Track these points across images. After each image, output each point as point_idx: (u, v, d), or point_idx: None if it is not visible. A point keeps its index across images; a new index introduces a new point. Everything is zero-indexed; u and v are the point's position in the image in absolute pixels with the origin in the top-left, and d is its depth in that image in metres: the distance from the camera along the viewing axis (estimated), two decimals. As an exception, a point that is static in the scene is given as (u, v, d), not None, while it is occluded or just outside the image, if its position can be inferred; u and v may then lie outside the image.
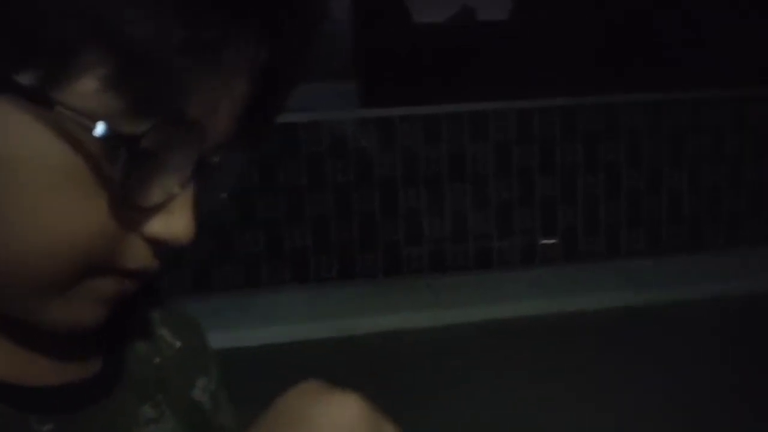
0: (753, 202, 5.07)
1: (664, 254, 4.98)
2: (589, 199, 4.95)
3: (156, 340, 0.57)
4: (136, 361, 0.54)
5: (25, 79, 0.36)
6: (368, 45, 5.41)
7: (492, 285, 4.66)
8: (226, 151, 0.45)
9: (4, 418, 0.44)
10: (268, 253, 4.59)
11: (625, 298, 4.39)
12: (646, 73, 5.57)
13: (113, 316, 0.50)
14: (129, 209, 0.40)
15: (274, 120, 0.49)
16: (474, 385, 3.40)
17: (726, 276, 4.62)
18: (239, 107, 0.43)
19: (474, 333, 4.06)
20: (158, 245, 0.43)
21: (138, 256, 0.43)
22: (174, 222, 0.42)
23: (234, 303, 4.30)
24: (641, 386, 3.34)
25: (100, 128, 0.37)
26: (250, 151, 0.50)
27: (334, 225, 4.66)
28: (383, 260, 4.74)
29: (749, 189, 5.06)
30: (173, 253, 0.44)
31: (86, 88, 0.37)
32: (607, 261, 4.94)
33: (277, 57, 0.43)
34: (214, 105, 0.41)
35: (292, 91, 0.48)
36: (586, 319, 4.21)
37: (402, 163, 4.71)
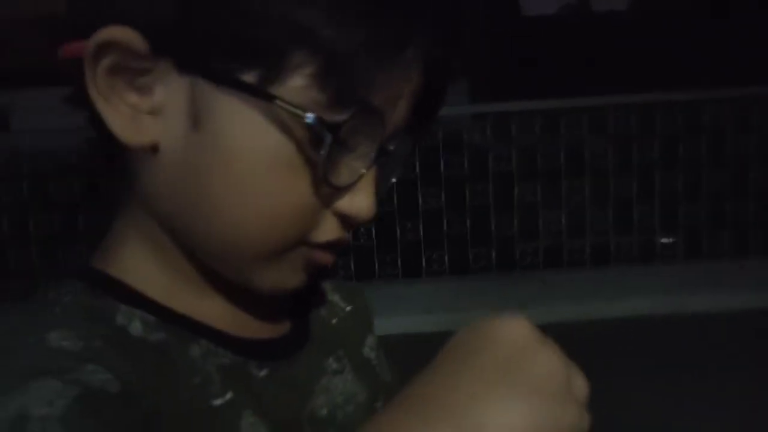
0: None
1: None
2: (712, 196, 4.76)
3: (331, 304, 0.66)
4: (318, 322, 0.63)
5: (249, 78, 0.44)
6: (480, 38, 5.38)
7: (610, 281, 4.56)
8: (399, 139, 0.52)
9: (230, 362, 0.52)
10: (382, 246, 4.63)
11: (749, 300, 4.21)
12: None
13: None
14: (326, 188, 0.48)
15: (439, 111, 0.54)
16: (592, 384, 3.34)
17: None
18: (415, 99, 0.50)
19: (587, 329, 3.99)
20: (345, 220, 0.50)
21: (330, 229, 0.50)
22: (358, 200, 0.50)
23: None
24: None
25: (309, 118, 0.44)
26: (418, 140, 0.56)
27: (445, 219, 4.67)
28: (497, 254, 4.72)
29: None
30: (357, 228, 0.52)
31: (296, 84, 0.44)
32: (732, 260, 4.74)
33: (445, 51, 0.50)
34: (397, 97, 0.48)
35: (454, 82, 0.53)
36: (704, 319, 4.06)
37: (518, 158, 4.67)
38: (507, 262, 4.71)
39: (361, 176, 0.49)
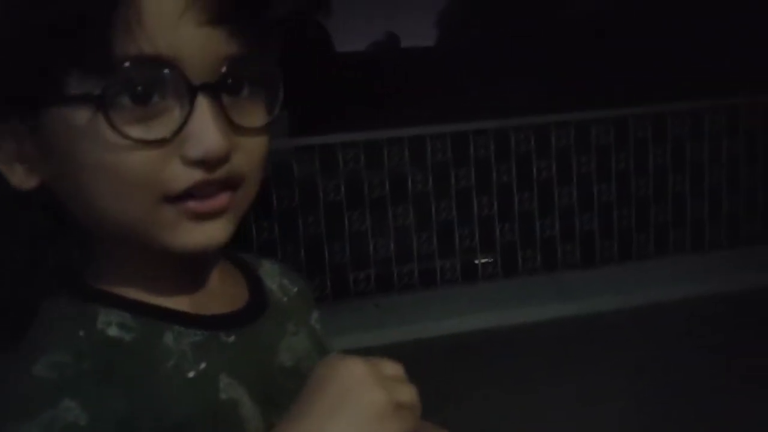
0: (677, 212, 5.37)
1: (596, 265, 5.22)
2: (524, 216, 5.15)
3: (282, 285, 0.75)
4: (272, 296, 0.72)
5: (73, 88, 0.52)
6: (294, 74, 5.48)
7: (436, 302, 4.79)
8: (235, 64, 0.54)
9: (201, 338, 0.61)
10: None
11: (560, 310, 4.58)
12: (569, 91, 5.84)
13: (249, 270, 0.72)
14: (142, 145, 0.52)
15: (258, 9, 0.55)
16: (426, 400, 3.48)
17: (657, 283, 4.87)
18: (211, 17, 0.52)
19: (420, 349, 4.17)
20: (197, 164, 0.54)
21: (182, 177, 0.54)
22: (198, 142, 0.53)
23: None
24: (588, 398, 3.49)
25: (79, 98, 0.52)
26: (265, 58, 0.58)
27: (280, 250, 4.72)
28: (331, 282, 4.83)
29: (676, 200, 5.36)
30: (214, 166, 0.54)
31: (64, 83, 0.52)
32: (546, 275, 5.14)
33: None
34: (156, 32, 0.51)
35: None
36: (527, 331, 4.37)
37: (346, 188, 4.82)
38: (341, 289, 4.83)
39: (186, 119, 0.53)
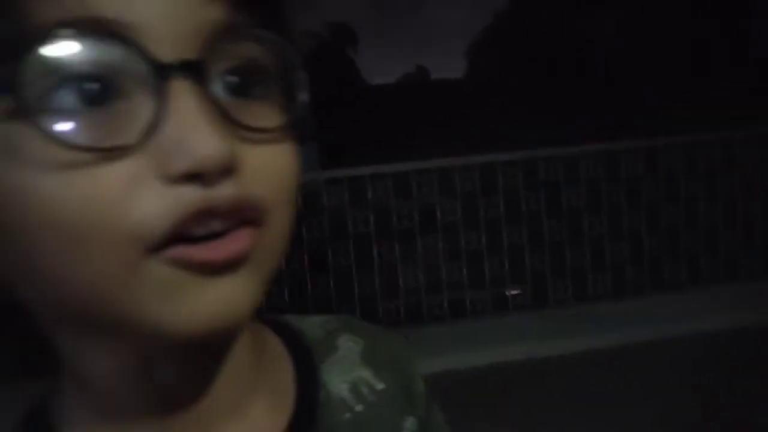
0: (709, 242, 5.31)
1: (628, 296, 5.18)
2: (553, 246, 5.13)
3: (358, 383, 0.51)
4: (332, 410, 0.49)
5: None
6: (324, 107, 5.58)
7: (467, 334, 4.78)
8: (219, 44, 0.36)
9: None
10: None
11: (591, 341, 4.54)
12: (596, 124, 5.85)
13: (305, 363, 0.48)
14: (99, 158, 0.33)
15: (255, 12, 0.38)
16: None
17: (687, 315, 4.81)
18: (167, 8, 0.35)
19: (450, 380, 4.15)
20: (187, 181, 0.34)
21: (164, 206, 0.34)
22: (181, 146, 0.34)
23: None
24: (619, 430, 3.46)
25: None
26: (271, 34, 0.39)
27: (309, 282, 4.75)
28: (361, 313, 4.83)
29: (708, 229, 5.31)
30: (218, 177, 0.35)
31: None
32: (573, 307, 5.11)
33: None
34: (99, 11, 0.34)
35: None
36: (555, 364, 4.34)
37: (375, 219, 4.85)
38: (370, 320, 4.82)
39: (158, 113, 0.34)
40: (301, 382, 0.48)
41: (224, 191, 0.34)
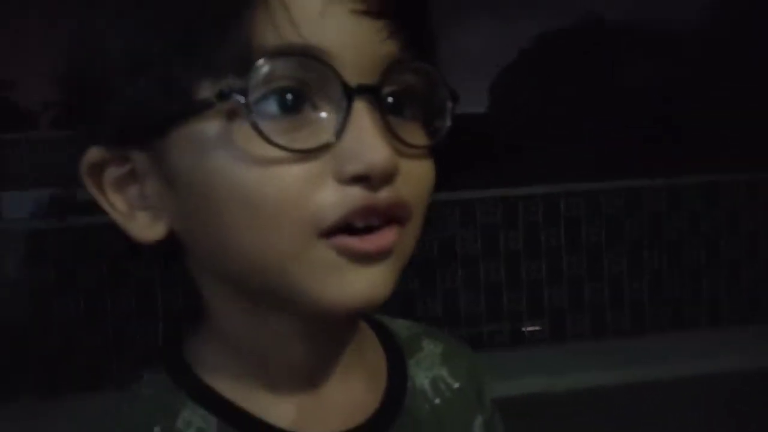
0: (731, 282, 5.31)
1: (646, 333, 5.18)
2: (573, 280, 5.15)
3: (437, 380, 0.58)
4: (416, 399, 0.56)
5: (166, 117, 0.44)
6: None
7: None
8: (394, 68, 0.44)
9: None
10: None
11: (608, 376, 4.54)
12: (619, 161, 5.89)
13: (397, 355, 0.57)
14: (293, 156, 0.42)
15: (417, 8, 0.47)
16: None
17: (704, 354, 4.80)
18: (361, 10, 0.43)
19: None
20: (357, 180, 0.42)
21: (337, 201, 0.42)
22: (358, 153, 0.42)
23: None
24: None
25: (226, 95, 0.42)
26: (427, 68, 0.47)
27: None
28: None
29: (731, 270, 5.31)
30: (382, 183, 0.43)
31: (204, 96, 0.43)
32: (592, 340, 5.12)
33: None
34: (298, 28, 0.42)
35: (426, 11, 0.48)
36: (576, 396, 4.34)
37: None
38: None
39: (343, 125, 0.42)
40: (392, 372, 0.56)
41: (384, 194, 0.43)
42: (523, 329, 5.11)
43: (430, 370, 0.58)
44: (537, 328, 5.14)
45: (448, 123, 0.47)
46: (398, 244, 0.45)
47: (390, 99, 0.45)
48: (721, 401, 4.11)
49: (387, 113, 0.44)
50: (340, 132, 0.42)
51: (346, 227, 0.43)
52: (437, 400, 0.57)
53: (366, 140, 0.42)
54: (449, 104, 0.47)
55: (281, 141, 0.41)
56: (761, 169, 5.34)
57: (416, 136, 0.46)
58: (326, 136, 0.42)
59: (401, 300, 4.90)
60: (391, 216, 0.44)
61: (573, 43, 15.27)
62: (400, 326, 0.61)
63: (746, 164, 5.30)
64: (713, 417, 3.89)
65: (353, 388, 0.52)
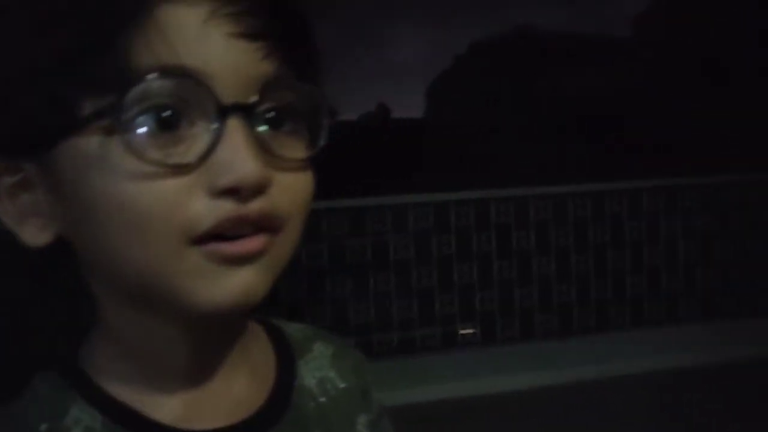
0: (653, 284, 5.48)
1: (574, 335, 5.30)
2: (503, 284, 5.24)
3: (324, 380, 0.62)
4: (303, 397, 0.60)
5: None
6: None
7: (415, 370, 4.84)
8: (270, 88, 0.47)
9: None
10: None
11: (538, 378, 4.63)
12: (551, 167, 6.02)
13: (287, 355, 0.61)
14: (166, 171, 0.44)
15: (304, 61, 0.50)
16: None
17: (631, 354, 4.94)
18: (241, 33, 0.46)
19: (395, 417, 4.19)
20: (228, 194, 0.45)
21: (208, 211, 0.45)
22: (228, 168, 0.45)
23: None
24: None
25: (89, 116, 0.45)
26: (304, 86, 0.50)
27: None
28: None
29: (653, 272, 5.48)
30: (250, 196, 0.46)
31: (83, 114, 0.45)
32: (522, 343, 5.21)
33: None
34: (174, 48, 0.44)
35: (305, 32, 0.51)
36: (504, 400, 4.41)
37: (328, 254, 4.92)
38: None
39: (215, 142, 0.45)
40: (280, 371, 0.60)
41: (255, 205, 0.46)
42: (462, 332, 5.18)
43: (319, 370, 0.63)
44: (471, 331, 5.21)
45: (322, 142, 0.51)
46: (271, 249, 0.49)
47: (271, 114, 0.48)
48: (646, 400, 4.24)
49: (264, 129, 0.48)
50: (213, 147, 0.45)
51: (218, 236, 0.46)
52: (323, 399, 0.61)
53: (237, 155, 0.45)
54: (325, 122, 0.50)
55: (156, 156, 0.44)
56: (682, 174, 5.53)
57: (295, 149, 0.50)
58: (200, 151, 0.45)
59: (334, 305, 4.91)
60: (261, 226, 0.48)
61: (506, 50, 15.55)
62: (294, 329, 0.65)
63: (668, 170, 5.48)
64: (639, 416, 4.01)
65: (239, 385, 0.56)
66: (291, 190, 0.49)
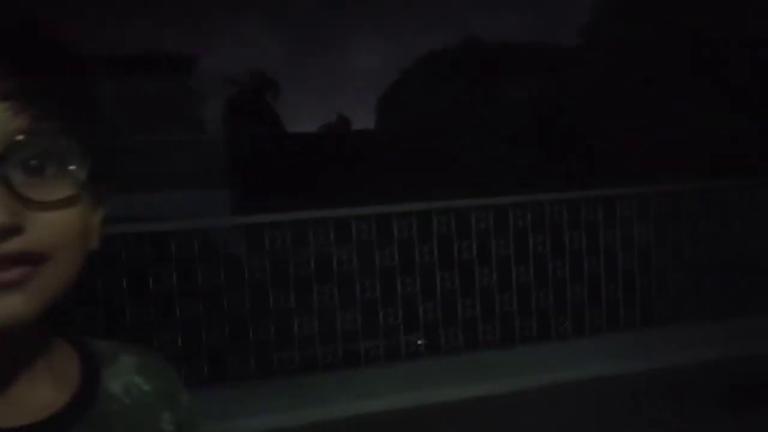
0: (593, 293, 5.58)
1: (516, 344, 5.38)
2: (446, 294, 5.30)
3: (129, 385, 0.69)
4: (107, 400, 0.65)
5: None
6: (240, 154, 5.65)
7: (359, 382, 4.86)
8: (21, 141, 0.52)
9: None
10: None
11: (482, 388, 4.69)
12: (499, 178, 6.08)
13: (90, 367, 0.67)
14: None
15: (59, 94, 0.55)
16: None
17: (573, 361, 5.03)
18: None
19: (343, 429, 4.21)
20: None
21: None
22: None
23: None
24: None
25: None
26: (60, 134, 0.55)
27: (204, 329, 4.76)
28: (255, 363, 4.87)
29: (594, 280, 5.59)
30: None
31: None
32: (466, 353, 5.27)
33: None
34: None
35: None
36: (449, 409, 4.45)
37: (271, 267, 4.92)
38: (265, 368, 4.87)
39: None
40: (84, 378, 0.65)
41: (9, 247, 0.52)
42: (419, 342, 5.23)
43: (124, 377, 0.69)
44: (422, 341, 5.27)
45: (70, 192, 0.55)
46: (36, 278, 0.54)
47: (34, 162, 0.54)
48: (589, 407, 4.32)
49: (21, 177, 0.53)
50: None
51: None
52: (128, 400, 0.67)
53: None
54: (71, 168, 0.55)
55: None
56: (622, 185, 5.65)
57: (56, 190, 0.55)
58: None
59: (278, 318, 4.91)
60: (20, 260, 0.53)
61: (456, 62, 15.69)
62: (102, 344, 0.71)
63: (606, 181, 5.60)
64: (582, 422, 4.08)
65: (41, 390, 0.61)
66: (54, 226, 0.54)
